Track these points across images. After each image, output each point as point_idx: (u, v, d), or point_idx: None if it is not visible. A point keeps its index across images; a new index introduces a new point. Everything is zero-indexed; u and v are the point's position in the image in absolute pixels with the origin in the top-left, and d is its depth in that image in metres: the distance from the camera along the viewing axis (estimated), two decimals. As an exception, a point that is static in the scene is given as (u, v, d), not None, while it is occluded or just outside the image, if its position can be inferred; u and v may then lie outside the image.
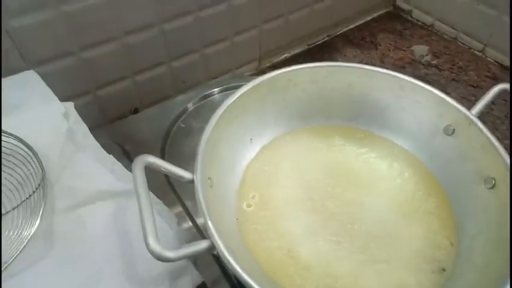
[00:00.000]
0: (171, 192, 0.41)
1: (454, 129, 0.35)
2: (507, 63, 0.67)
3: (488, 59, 0.69)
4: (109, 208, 0.31)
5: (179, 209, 0.40)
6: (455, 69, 0.68)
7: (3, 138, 0.34)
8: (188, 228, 0.38)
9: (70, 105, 0.38)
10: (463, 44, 0.72)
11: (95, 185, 0.33)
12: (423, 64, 0.69)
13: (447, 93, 0.62)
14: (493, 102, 0.35)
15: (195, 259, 0.33)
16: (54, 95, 0.38)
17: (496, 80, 0.66)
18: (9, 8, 0.41)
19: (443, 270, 0.31)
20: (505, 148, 0.32)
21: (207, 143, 0.31)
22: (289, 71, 0.38)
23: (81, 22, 0.47)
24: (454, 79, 0.66)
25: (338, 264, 0.32)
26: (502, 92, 0.36)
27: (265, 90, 0.37)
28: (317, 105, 0.40)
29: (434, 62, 0.70)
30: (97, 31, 0.48)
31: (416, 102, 0.38)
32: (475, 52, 0.71)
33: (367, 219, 0.34)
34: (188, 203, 0.41)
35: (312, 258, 0.32)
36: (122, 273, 0.28)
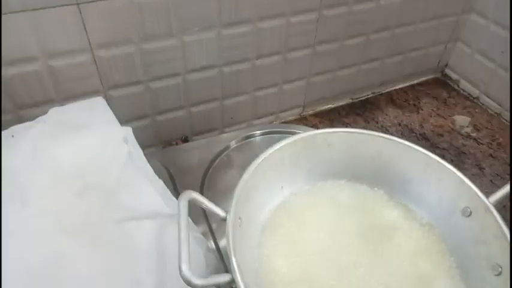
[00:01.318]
0: (206, 225, 0.47)
1: (471, 212, 0.38)
2: (548, 147, 0.67)
3: (529, 139, 0.70)
4: (154, 227, 0.37)
5: (210, 242, 0.45)
6: (495, 145, 0.70)
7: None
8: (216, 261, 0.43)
9: (129, 130, 0.45)
10: (506, 120, 0.73)
11: (146, 205, 0.38)
12: (462, 135, 0.71)
13: (482, 168, 0.65)
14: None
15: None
16: (116, 119, 0.45)
17: (534, 162, 0.66)
18: (97, 40, 0.49)
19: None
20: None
21: (243, 187, 0.36)
22: (326, 133, 0.42)
23: (154, 58, 0.54)
24: (491, 155, 0.68)
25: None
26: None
27: (301, 146, 0.42)
28: (347, 166, 0.44)
29: (474, 134, 0.71)
30: (165, 67, 0.56)
31: (439, 179, 0.40)
32: (517, 131, 0.72)
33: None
34: (214, 225, 0.45)
35: None
36: (154, 286, 0.33)
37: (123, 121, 0.56)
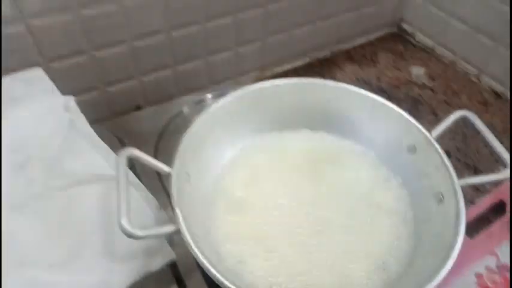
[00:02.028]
0: (160, 185, 0.46)
1: (415, 148, 0.39)
2: (500, 90, 0.69)
3: (482, 85, 0.72)
4: (99, 190, 0.36)
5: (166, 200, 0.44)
6: (449, 92, 0.71)
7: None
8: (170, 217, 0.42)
9: (71, 99, 0.43)
10: (460, 69, 0.75)
11: (89, 169, 0.38)
12: (418, 85, 0.72)
13: (436, 114, 0.66)
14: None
15: (171, 241, 0.37)
16: (57, 89, 0.43)
17: (486, 106, 0.68)
18: (31, 9, 0.47)
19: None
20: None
21: (188, 141, 0.35)
22: (274, 85, 0.42)
23: (96, 25, 0.52)
24: (446, 101, 0.69)
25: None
26: (464, 119, 0.39)
27: (249, 100, 0.41)
28: (298, 116, 0.44)
29: (429, 84, 0.73)
30: (109, 34, 0.53)
31: (385, 120, 0.41)
32: (471, 78, 0.73)
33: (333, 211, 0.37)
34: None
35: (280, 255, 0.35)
36: (101, 247, 0.32)
37: (71, 94, 0.54)
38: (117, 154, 0.32)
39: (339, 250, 0.35)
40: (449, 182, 0.34)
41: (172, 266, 0.36)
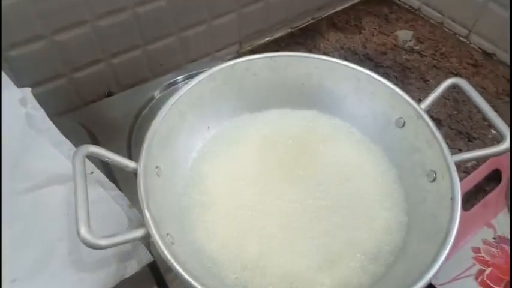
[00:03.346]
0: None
1: (404, 122, 0.36)
2: (490, 50, 0.66)
3: (472, 45, 0.68)
4: (63, 192, 0.33)
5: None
6: (438, 55, 0.68)
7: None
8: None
9: (27, 90, 0.39)
10: (449, 29, 0.71)
11: (51, 169, 0.34)
12: (406, 50, 0.69)
13: (426, 81, 0.63)
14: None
15: (147, 242, 0.34)
16: (11, 81, 0.39)
17: (477, 67, 0.65)
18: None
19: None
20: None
21: (155, 132, 0.32)
22: (247, 60, 0.38)
23: (53, 6, 0.47)
24: (435, 66, 0.66)
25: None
26: (455, 86, 0.36)
27: (221, 80, 0.38)
28: (277, 94, 0.40)
29: (417, 47, 0.69)
30: (68, 14, 0.49)
31: (371, 94, 0.38)
32: (460, 38, 0.70)
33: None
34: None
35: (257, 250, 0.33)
36: (69, 255, 0.30)
37: (33, 84, 0.50)
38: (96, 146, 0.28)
39: (328, 237, 0.33)
40: (442, 158, 0.31)
41: (152, 266, 0.34)
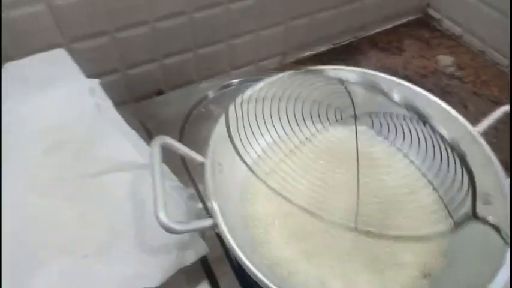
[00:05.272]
0: (186, 174, 0.45)
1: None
2: (532, 82, 0.67)
3: (513, 76, 0.69)
4: (130, 178, 0.35)
5: (192, 191, 0.43)
6: (478, 83, 0.68)
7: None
8: (199, 209, 0.41)
9: (96, 82, 0.41)
10: (490, 58, 0.72)
11: (119, 157, 0.36)
12: (446, 75, 0.70)
13: (466, 107, 0.64)
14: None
15: (203, 234, 0.35)
16: (81, 72, 0.42)
17: (518, 98, 0.65)
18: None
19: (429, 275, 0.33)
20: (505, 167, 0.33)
21: (220, 131, 0.34)
22: (309, 70, 0.40)
23: (120, 5, 0.50)
24: (475, 93, 0.66)
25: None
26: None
27: (281, 87, 0.39)
28: (333, 108, 0.42)
29: (458, 73, 0.70)
30: (132, 14, 0.51)
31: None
32: (501, 68, 0.70)
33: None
34: (201, 187, 0.44)
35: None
36: (134, 238, 0.31)
37: (91, 76, 0.53)
38: (150, 142, 0.30)
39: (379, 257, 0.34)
40: (497, 182, 0.32)
41: (202, 260, 0.35)
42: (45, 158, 0.37)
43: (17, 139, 0.38)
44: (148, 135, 0.47)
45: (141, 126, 0.49)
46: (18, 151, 0.37)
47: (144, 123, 0.49)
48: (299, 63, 0.71)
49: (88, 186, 0.34)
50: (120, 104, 0.57)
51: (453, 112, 0.37)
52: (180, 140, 0.49)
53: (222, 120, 0.35)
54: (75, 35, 0.50)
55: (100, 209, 0.33)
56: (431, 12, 0.81)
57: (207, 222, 0.28)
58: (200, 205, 0.42)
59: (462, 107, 0.64)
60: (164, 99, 0.56)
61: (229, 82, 0.56)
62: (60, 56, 0.44)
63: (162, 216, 0.26)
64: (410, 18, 0.81)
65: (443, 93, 0.66)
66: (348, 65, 0.72)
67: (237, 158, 0.36)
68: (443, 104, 0.37)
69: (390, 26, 0.79)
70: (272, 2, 0.61)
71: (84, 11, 0.48)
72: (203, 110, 0.52)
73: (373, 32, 0.77)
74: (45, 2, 0.46)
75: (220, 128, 0.34)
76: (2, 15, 0.44)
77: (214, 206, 0.29)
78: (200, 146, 0.47)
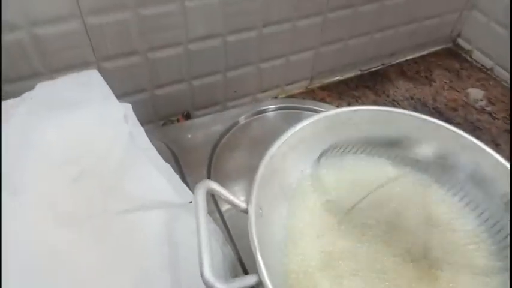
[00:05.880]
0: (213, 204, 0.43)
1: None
2: None
3: (546, 114, 0.67)
4: (163, 218, 0.33)
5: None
6: (510, 119, 0.67)
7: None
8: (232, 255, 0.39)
9: (129, 107, 0.40)
10: (522, 94, 0.70)
11: (152, 193, 0.34)
12: (477, 109, 0.68)
13: (498, 145, 0.62)
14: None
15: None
16: (113, 95, 0.40)
17: (551, 139, 0.63)
18: (88, 6, 0.43)
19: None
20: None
21: (263, 173, 0.32)
22: (351, 110, 0.38)
23: (153, 25, 0.48)
24: (507, 130, 0.65)
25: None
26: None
27: (324, 125, 0.38)
28: (376, 146, 0.41)
29: (488, 108, 0.68)
30: (166, 35, 0.50)
31: (475, 163, 0.37)
32: (533, 105, 0.69)
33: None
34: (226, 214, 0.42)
35: None
36: (169, 284, 0.29)
37: (117, 96, 0.52)
38: (194, 187, 0.28)
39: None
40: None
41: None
42: (70, 187, 0.35)
43: (41, 165, 0.36)
44: (176, 162, 0.45)
45: (168, 151, 0.47)
46: (41, 177, 0.35)
47: (171, 149, 0.47)
48: (325, 89, 0.69)
49: (116, 224, 0.32)
50: (145, 123, 0.57)
51: (488, 150, 0.36)
52: (209, 169, 0.47)
53: (264, 162, 0.33)
54: (107, 54, 0.48)
55: (127, 250, 0.31)
56: (461, 42, 0.79)
57: (251, 280, 0.26)
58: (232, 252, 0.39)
59: (493, 144, 0.62)
60: (192, 123, 0.54)
61: (259, 109, 0.54)
62: (92, 77, 0.43)
63: (208, 274, 0.24)
64: (439, 47, 0.79)
65: (474, 128, 0.64)
66: (376, 92, 0.70)
67: (276, 201, 0.35)
68: (496, 155, 0.36)
69: (418, 54, 0.77)
70: (305, 28, 0.60)
71: (117, 31, 0.47)
72: (232, 137, 0.50)
73: (401, 60, 0.76)
74: (80, 20, 0.44)
75: (262, 169, 0.33)
76: (36, 30, 0.43)
77: (260, 262, 0.27)
78: (230, 176, 0.46)
